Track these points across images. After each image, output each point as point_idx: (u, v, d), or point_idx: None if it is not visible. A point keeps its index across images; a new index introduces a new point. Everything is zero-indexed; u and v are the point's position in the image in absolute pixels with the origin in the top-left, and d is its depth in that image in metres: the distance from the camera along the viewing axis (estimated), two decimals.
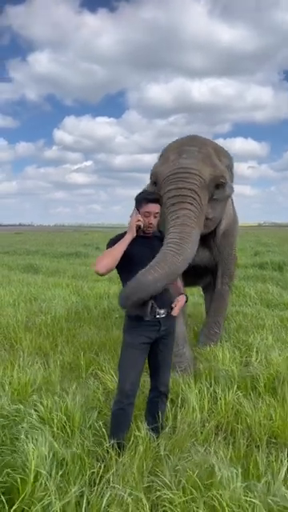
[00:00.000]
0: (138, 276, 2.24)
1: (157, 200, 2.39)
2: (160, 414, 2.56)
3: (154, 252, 2.42)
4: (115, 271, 2.41)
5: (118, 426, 2.39)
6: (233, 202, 4.11)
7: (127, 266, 2.34)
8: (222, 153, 3.23)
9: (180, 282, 2.68)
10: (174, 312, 2.36)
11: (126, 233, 2.37)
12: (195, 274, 4.16)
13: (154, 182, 3.14)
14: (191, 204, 2.77)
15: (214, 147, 3.16)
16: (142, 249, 2.38)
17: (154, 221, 2.39)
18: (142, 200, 2.39)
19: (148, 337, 2.38)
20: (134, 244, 2.33)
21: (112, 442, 2.31)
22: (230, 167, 3.29)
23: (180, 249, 2.46)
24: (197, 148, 3.03)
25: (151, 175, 3.20)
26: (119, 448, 2.32)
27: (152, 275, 2.24)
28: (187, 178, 2.84)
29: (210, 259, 3.92)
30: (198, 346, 4.14)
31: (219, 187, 3.03)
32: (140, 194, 2.45)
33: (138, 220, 2.32)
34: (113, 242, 2.36)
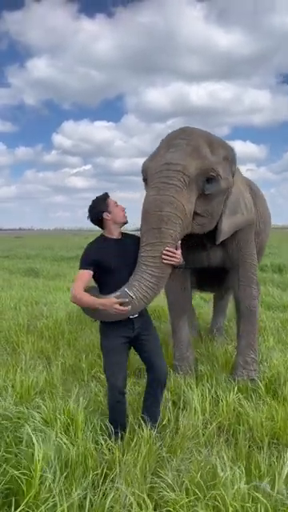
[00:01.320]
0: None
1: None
2: (158, 401, 2.71)
3: (126, 252, 2.53)
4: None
5: (118, 416, 2.55)
6: (254, 196, 3.71)
7: (104, 272, 2.49)
8: (216, 143, 2.96)
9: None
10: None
11: (101, 238, 2.58)
12: (201, 277, 3.95)
13: (145, 178, 2.96)
14: (171, 230, 2.52)
15: (206, 138, 2.92)
16: (117, 253, 2.49)
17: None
18: (104, 200, 2.53)
19: (125, 337, 2.54)
20: (110, 251, 2.50)
21: (118, 433, 2.50)
22: (228, 158, 3.02)
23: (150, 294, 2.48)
24: (186, 140, 2.80)
25: (142, 171, 3.01)
26: (122, 433, 2.50)
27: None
28: (169, 179, 2.61)
29: (223, 260, 3.54)
30: (235, 379, 3.42)
31: (210, 181, 2.79)
32: (93, 208, 2.55)
33: (117, 307, 2.35)
34: (87, 257, 2.49)
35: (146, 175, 2.90)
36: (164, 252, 2.48)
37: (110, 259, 2.48)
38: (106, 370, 2.59)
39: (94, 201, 2.56)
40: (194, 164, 2.68)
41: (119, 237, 2.59)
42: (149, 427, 2.51)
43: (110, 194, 2.58)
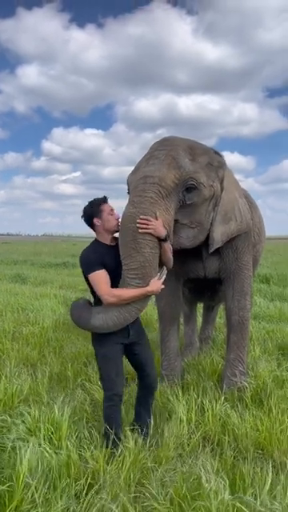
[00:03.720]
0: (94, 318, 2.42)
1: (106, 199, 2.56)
2: (150, 407, 2.75)
3: (118, 259, 2.48)
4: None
5: (116, 420, 2.51)
6: (250, 205, 3.66)
7: None
8: (199, 150, 2.89)
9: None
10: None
11: (96, 243, 2.56)
12: (193, 287, 3.91)
13: (129, 191, 2.89)
14: (148, 239, 2.47)
15: (187, 146, 2.85)
16: (112, 258, 2.48)
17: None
18: (98, 205, 2.49)
19: (120, 343, 2.53)
20: (107, 255, 2.48)
21: (117, 445, 2.43)
22: (212, 164, 2.94)
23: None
24: (165, 151, 2.75)
25: (127, 183, 2.96)
26: (118, 440, 2.45)
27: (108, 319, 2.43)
28: (144, 192, 2.58)
29: (219, 270, 3.47)
30: (223, 392, 3.36)
31: (191, 190, 2.74)
32: (86, 210, 2.51)
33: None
34: (92, 259, 2.46)
35: (129, 189, 2.87)
36: (138, 221, 2.43)
37: (106, 259, 2.45)
38: (103, 378, 2.54)
39: (89, 203, 2.52)
40: (170, 175, 2.65)
41: (112, 243, 2.55)
42: (142, 436, 2.54)
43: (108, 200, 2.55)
